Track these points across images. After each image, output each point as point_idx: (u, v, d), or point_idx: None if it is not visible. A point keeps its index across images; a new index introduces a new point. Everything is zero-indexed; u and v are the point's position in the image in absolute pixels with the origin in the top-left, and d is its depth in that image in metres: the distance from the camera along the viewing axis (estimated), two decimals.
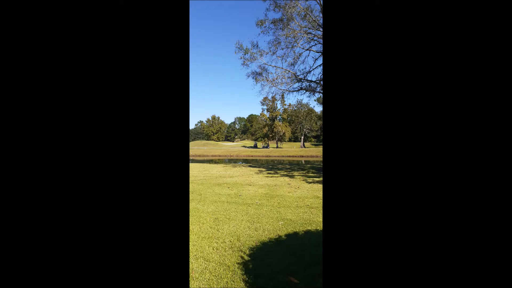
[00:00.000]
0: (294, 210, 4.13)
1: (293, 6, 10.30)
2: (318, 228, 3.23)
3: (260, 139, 56.91)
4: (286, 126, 48.38)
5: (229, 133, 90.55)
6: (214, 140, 74.59)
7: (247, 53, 11.61)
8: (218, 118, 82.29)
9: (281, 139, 49.92)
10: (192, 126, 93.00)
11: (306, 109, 46.76)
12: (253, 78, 12.21)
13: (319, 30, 10.63)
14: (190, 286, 1.94)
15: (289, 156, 31.14)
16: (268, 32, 11.53)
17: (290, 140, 57.77)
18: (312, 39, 11.21)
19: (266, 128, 49.18)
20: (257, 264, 2.23)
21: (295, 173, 10.22)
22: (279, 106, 49.37)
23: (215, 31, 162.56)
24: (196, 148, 45.47)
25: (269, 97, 40.66)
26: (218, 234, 3.05)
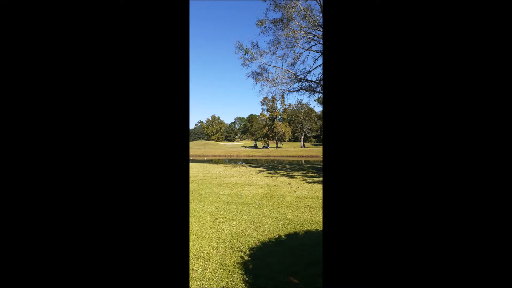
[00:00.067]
0: (294, 210, 4.13)
1: (293, 6, 10.30)
2: (318, 228, 3.23)
3: (260, 139, 56.89)
4: (286, 126, 48.36)
5: (229, 133, 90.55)
6: (214, 140, 74.59)
7: (247, 53, 11.62)
8: (218, 118, 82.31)
9: (281, 139, 49.92)
10: (192, 126, 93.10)
11: (306, 109, 46.73)
12: (253, 78, 12.23)
13: (319, 30, 10.63)
14: (190, 286, 1.94)
15: (289, 156, 31.14)
16: (268, 32, 11.56)
17: (290, 140, 57.78)
18: (312, 39, 11.22)
19: (266, 128, 49.17)
20: (257, 264, 2.23)
21: (295, 173, 10.22)
22: (279, 106, 49.45)
23: (215, 31, 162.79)
24: (196, 148, 45.47)
25: (269, 97, 40.73)
26: (218, 234, 3.05)
